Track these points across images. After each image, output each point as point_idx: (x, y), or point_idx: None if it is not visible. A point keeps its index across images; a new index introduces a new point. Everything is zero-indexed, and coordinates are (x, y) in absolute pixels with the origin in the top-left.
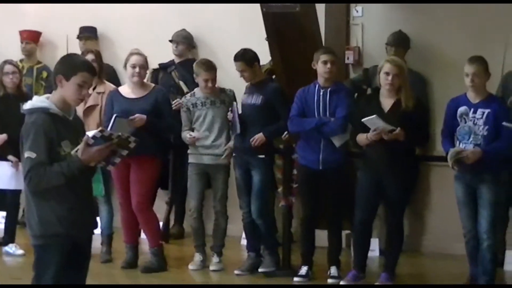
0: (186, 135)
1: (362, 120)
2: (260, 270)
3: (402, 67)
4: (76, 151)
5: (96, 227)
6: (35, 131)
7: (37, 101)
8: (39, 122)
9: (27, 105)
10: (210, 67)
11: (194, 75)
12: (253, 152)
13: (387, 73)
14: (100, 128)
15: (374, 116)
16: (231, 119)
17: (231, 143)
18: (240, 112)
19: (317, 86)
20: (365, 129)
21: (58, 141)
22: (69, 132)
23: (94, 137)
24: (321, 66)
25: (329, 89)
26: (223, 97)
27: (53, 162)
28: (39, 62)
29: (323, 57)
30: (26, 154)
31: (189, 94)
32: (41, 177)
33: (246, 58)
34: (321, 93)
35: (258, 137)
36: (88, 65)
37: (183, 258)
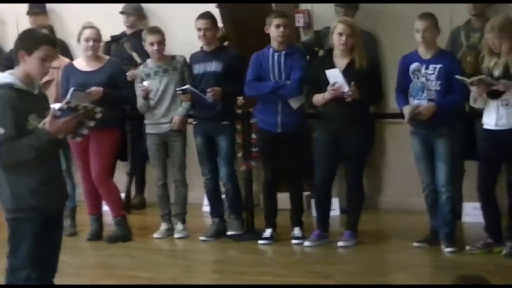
0: (138, 89)
1: (326, 71)
2: (228, 233)
3: (355, 27)
4: (44, 124)
5: (67, 198)
6: (2, 107)
7: (1, 77)
8: (5, 98)
9: None
10: (155, 31)
11: (143, 43)
12: (217, 119)
13: (340, 34)
14: (66, 100)
15: (337, 68)
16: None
17: (179, 113)
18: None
19: (271, 50)
20: (320, 90)
21: (25, 115)
22: (35, 106)
23: (60, 109)
24: (274, 29)
25: (283, 52)
26: (175, 64)
27: (22, 136)
28: None
29: (276, 21)
30: None
31: (142, 66)
32: (11, 151)
33: (212, 18)
34: (276, 57)
35: (215, 89)
36: (50, 38)
37: (146, 227)
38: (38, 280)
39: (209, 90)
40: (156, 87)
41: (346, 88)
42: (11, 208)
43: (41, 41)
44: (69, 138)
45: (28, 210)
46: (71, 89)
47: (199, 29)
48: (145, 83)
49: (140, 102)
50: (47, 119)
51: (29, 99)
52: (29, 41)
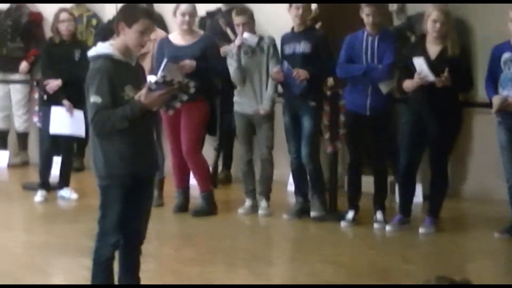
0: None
1: (413, 58)
2: (312, 214)
3: (449, 15)
4: (139, 96)
5: (158, 168)
6: (100, 77)
7: (101, 47)
8: (103, 68)
9: (92, 52)
10: (242, 11)
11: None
12: (303, 99)
13: (435, 21)
14: (162, 74)
15: (422, 57)
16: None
17: (265, 106)
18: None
19: (365, 33)
20: (411, 76)
21: (122, 86)
22: (132, 78)
23: (156, 82)
24: (365, 17)
25: (377, 36)
26: (262, 44)
27: (117, 106)
28: (88, 10)
29: (365, 10)
30: (92, 98)
31: (232, 43)
32: (106, 120)
33: None
34: (369, 40)
35: (302, 72)
36: (149, 12)
37: (231, 202)
38: (125, 246)
39: (293, 71)
40: (247, 67)
41: (431, 78)
42: (103, 174)
43: (141, 14)
44: (162, 110)
45: (118, 177)
46: (165, 60)
47: (297, 8)
48: (245, 34)
49: (234, 70)
50: (143, 91)
51: (126, 70)
52: (129, 14)
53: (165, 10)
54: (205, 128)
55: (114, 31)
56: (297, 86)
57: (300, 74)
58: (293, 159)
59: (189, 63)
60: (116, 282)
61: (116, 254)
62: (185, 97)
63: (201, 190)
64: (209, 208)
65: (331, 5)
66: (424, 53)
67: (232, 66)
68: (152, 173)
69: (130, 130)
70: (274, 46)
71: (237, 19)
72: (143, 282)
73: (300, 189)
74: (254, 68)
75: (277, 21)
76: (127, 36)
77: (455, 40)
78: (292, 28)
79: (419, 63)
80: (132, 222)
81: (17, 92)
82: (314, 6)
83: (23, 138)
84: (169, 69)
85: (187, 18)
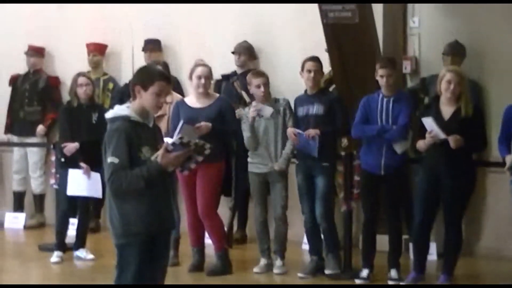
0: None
1: (422, 118)
2: (326, 272)
3: (463, 76)
4: (156, 156)
5: (174, 227)
6: (118, 137)
7: (119, 109)
8: (121, 129)
9: (110, 114)
10: (260, 74)
11: (248, 86)
12: (317, 160)
13: (449, 82)
14: (179, 135)
15: (430, 117)
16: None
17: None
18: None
19: (380, 95)
20: (424, 136)
21: (139, 147)
22: (149, 139)
23: (173, 143)
24: (379, 79)
25: (391, 98)
26: (278, 107)
27: (134, 166)
28: (105, 74)
29: (380, 72)
30: (109, 159)
31: (247, 107)
32: (122, 180)
33: (319, 61)
34: (384, 102)
35: (312, 131)
36: (164, 74)
37: (246, 261)
38: None
39: (307, 133)
40: (260, 129)
41: (442, 136)
42: (120, 233)
43: (157, 77)
44: (177, 170)
45: (135, 235)
46: (181, 122)
47: (308, 71)
48: (261, 106)
49: (247, 138)
50: (160, 152)
51: (143, 131)
52: (145, 76)
53: (182, 73)
54: (221, 188)
55: (131, 94)
56: (312, 148)
57: (310, 132)
58: (307, 218)
59: (205, 125)
60: None
61: None
62: (200, 159)
63: (217, 249)
64: (224, 267)
65: (346, 67)
66: (438, 114)
67: (245, 131)
68: (169, 232)
69: (147, 189)
70: (290, 107)
71: (256, 81)
72: None
73: (314, 248)
74: (271, 130)
75: (291, 84)
76: (144, 98)
77: (468, 101)
78: (306, 90)
79: (428, 122)
80: (149, 280)
81: (34, 154)
82: (327, 69)
83: (39, 200)
84: (185, 131)
85: (203, 81)
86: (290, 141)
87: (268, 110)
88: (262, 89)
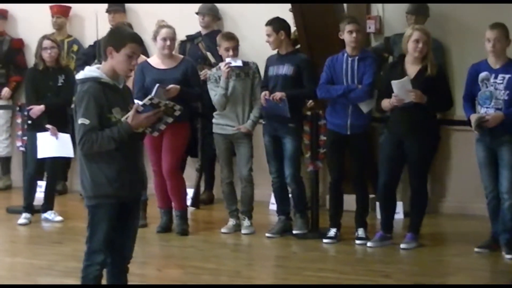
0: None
1: (391, 81)
2: (294, 232)
3: (429, 35)
4: (126, 117)
5: (144, 188)
6: (88, 99)
7: (89, 71)
8: (91, 91)
9: (80, 75)
10: (230, 37)
11: (218, 47)
12: (284, 120)
13: (417, 41)
14: (149, 96)
15: (406, 78)
16: (280, 105)
17: (247, 125)
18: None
19: (345, 55)
20: (389, 95)
21: (109, 108)
22: (119, 100)
23: (144, 105)
24: (347, 36)
25: (356, 57)
26: (247, 70)
27: (105, 127)
28: (69, 36)
29: (348, 27)
30: (80, 120)
31: (215, 68)
32: (93, 141)
33: (273, 24)
34: (349, 61)
35: (278, 94)
36: (136, 36)
37: (214, 222)
38: (113, 265)
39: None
40: (230, 90)
41: (407, 100)
42: (91, 195)
43: (129, 39)
44: (147, 132)
45: (106, 197)
46: (156, 86)
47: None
48: (228, 59)
49: (220, 95)
50: (130, 113)
51: (114, 93)
52: (117, 38)
53: (145, 35)
54: (185, 149)
55: (96, 56)
56: (282, 110)
57: (276, 95)
58: (274, 178)
59: (174, 87)
60: None
61: (104, 273)
62: (170, 120)
63: (177, 208)
64: (183, 227)
65: (309, 27)
66: (402, 73)
67: (213, 90)
68: (139, 194)
69: (117, 150)
70: (259, 71)
71: (226, 44)
72: None
73: (282, 208)
74: (239, 91)
75: (260, 47)
76: (115, 60)
77: (433, 60)
78: (277, 51)
79: (395, 85)
80: (119, 241)
81: None
82: (293, 29)
83: (5, 162)
84: (157, 93)
85: (168, 42)
86: (259, 104)
87: (237, 61)
88: (230, 52)
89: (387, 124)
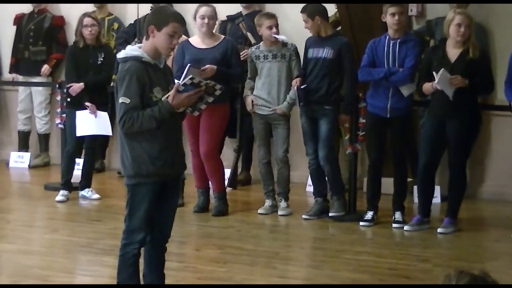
0: (248, 98)
1: (433, 72)
2: (330, 214)
3: (472, 19)
4: (167, 97)
5: (185, 167)
6: (129, 78)
7: (130, 50)
8: (132, 70)
9: (121, 54)
10: (271, 15)
11: (257, 28)
12: (321, 102)
13: (459, 25)
14: (190, 76)
15: (441, 71)
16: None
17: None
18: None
19: (387, 37)
20: (431, 78)
21: (150, 88)
22: (160, 79)
23: (184, 84)
24: (389, 18)
25: (398, 40)
26: (284, 51)
27: (145, 107)
28: (110, 14)
29: (391, 9)
30: (121, 99)
31: (254, 47)
32: (134, 120)
33: (307, 10)
34: (391, 44)
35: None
36: (179, 16)
37: (251, 203)
38: (152, 244)
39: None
40: (264, 71)
41: (449, 93)
42: (131, 174)
43: (171, 18)
44: (188, 111)
45: (147, 176)
46: (188, 65)
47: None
48: (252, 97)
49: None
50: (171, 92)
51: (155, 72)
52: (159, 17)
53: (187, 15)
54: (224, 131)
55: (136, 34)
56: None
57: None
58: (311, 160)
59: (210, 68)
60: (141, 279)
61: (142, 252)
62: (210, 99)
63: (216, 190)
64: (222, 208)
65: (350, 10)
66: (444, 56)
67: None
68: (180, 173)
69: (158, 131)
70: (297, 53)
71: (268, 22)
72: (166, 280)
73: (318, 190)
74: (275, 73)
75: (302, 29)
76: (157, 38)
77: (475, 43)
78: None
79: (439, 76)
80: (159, 220)
81: (38, 94)
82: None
83: (44, 139)
84: (191, 73)
85: (206, 20)
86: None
87: (281, 36)
88: (274, 30)
89: (429, 107)
